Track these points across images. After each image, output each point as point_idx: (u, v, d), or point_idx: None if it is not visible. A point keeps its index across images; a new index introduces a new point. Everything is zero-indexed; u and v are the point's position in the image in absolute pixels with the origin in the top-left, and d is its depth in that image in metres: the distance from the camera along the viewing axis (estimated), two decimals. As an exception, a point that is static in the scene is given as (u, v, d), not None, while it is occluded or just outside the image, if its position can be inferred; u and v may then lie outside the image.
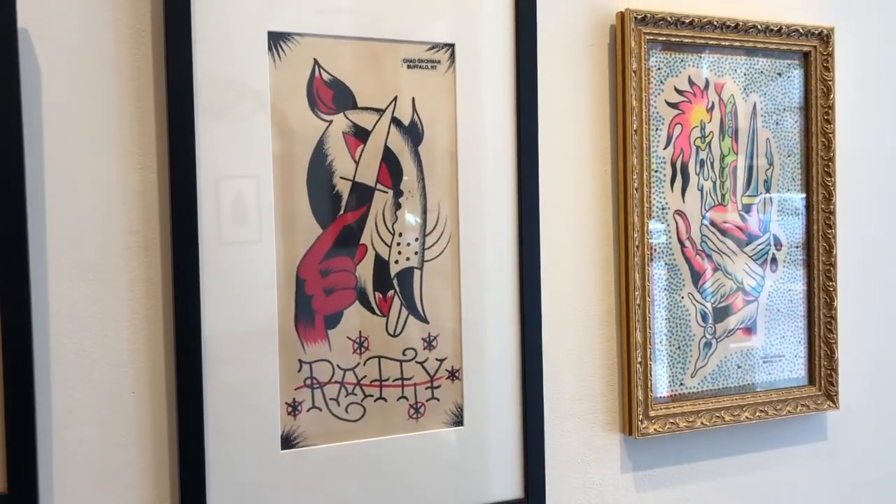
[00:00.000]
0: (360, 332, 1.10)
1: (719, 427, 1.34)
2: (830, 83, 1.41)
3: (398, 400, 1.12)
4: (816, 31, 1.40)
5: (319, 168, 1.07)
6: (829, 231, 1.43)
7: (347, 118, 1.09)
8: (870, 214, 1.51)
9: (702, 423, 1.32)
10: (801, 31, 1.39)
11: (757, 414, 1.37)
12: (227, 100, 1.03)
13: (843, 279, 1.46)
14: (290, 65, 1.06)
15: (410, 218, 1.12)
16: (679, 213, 1.31)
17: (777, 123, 1.39)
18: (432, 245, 1.14)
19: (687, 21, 1.29)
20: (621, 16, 1.25)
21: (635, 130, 1.25)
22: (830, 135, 1.42)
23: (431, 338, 1.14)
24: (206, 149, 1.01)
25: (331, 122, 1.08)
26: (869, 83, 1.51)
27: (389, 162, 1.11)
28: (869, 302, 1.51)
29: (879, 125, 1.52)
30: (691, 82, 1.32)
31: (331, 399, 1.09)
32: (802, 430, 1.45)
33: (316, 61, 1.07)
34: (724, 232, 1.35)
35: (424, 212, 1.14)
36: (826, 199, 1.42)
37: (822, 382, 1.43)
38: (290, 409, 1.06)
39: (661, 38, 1.28)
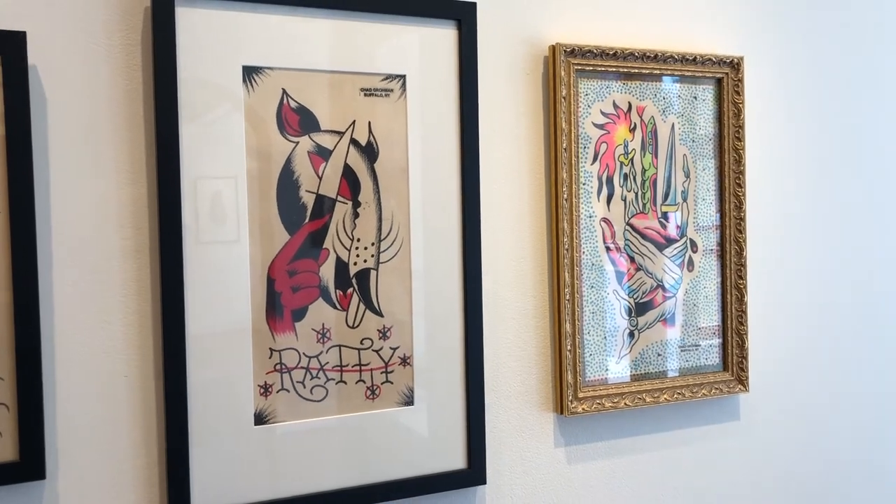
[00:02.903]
0: (323, 324, 1.27)
1: (641, 407, 1.52)
2: (741, 105, 1.61)
3: (356, 383, 1.30)
4: (728, 60, 1.59)
5: (287, 182, 1.24)
6: (740, 235, 1.62)
7: (312, 139, 1.26)
8: (775, 220, 1.71)
9: (625, 403, 1.51)
10: (713, 59, 1.58)
11: (675, 396, 1.56)
12: (207, 123, 1.19)
13: (752, 277, 1.65)
14: (262, 93, 1.23)
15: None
16: (604, 220, 1.50)
17: (693, 141, 1.58)
18: (387, 249, 1.31)
19: (611, 53, 1.47)
20: (553, 48, 1.43)
21: (565, 148, 1.44)
22: (741, 150, 1.61)
23: (386, 329, 1.32)
24: (188, 166, 1.18)
25: (297, 142, 1.25)
26: (774, 105, 1.70)
27: (349, 177, 1.28)
28: (775, 298, 1.70)
29: (784, 141, 1.72)
30: (615, 106, 1.50)
31: (297, 382, 1.26)
32: (716, 411, 1.64)
33: (284, 90, 1.24)
34: (644, 237, 1.54)
35: (380, 220, 1.31)
36: (737, 207, 1.62)
37: (734, 368, 1.63)
38: (262, 390, 1.23)
39: (588, 68, 1.46)
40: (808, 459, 1.75)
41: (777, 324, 1.71)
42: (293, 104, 1.25)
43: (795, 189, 1.73)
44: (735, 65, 1.60)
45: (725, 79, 1.60)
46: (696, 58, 1.56)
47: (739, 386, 1.63)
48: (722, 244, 1.62)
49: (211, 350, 1.20)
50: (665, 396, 1.55)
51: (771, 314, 1.70)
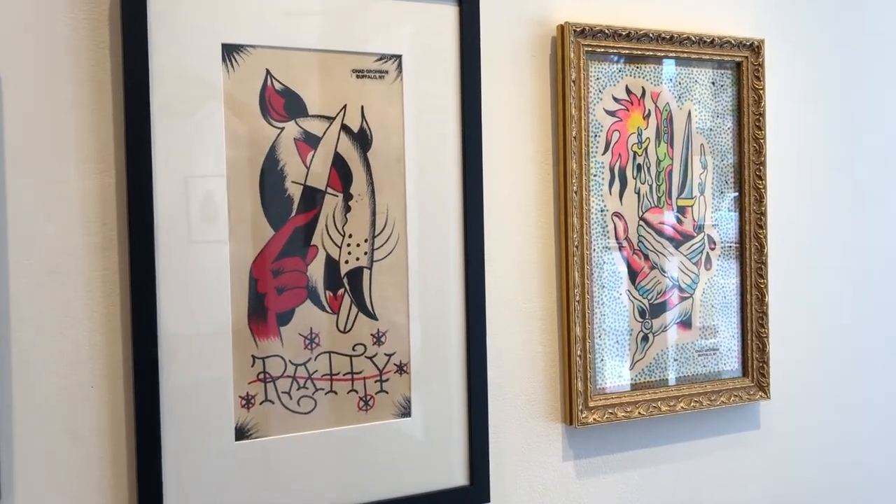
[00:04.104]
0: (311, 328, 1.16)
1: (656, 417, 1.41)
2: (761, 91, 1.50)
3: (348, 393, 1.18)
4: (747, 43, 1.48)
5: (272, 173, 1.13)
6: (761, 231, 1.51)
7: (298, 125, 1.15)
8: (798, 215, 1.60)
9: (639, 413, 1.39)
10: (732, 42, 1.47)
11: (692, 404, 1.45)
12: (182, 108, 1.08)
13: (773, 276, 1.55)
14: (243, 74, 1.11)
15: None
16: (617, 214, 1.39)
17: (711, 129, 1.47)
18: (381, 246, 1.20)
19: (624, 34, 1.36)
20: (561, 28, 1.32)
21: (575, 137, 1.32)
22: (761, 140, 1.50)
23: (380, 334, 1.20)
24: (162, 154, 1.06)
25: (282, 128, 1.14)
26: (797, 91, 1.59)
27: (339, 167, 1.17)
28: (798, 298, 1.60)
29: (807, 130, 1.61)
30: (628, 91, 1.39)
31: (283, 392, 1.14)
32: (736, 420, 1.53)
33: (268, 71, 1.13)
34: (660, 232, 1.43)
35: (374, 214, 1.20)
36: (757, 200, 1.51)
37: (754, 374, 1.52)
38: (243, 402, 1.12)
39: (599, 50, 1.35)
40: (833, 471, 1.65)
41: (800, 326, 1.60)
42: (278, 86, 1.13)
43: (820, 182, 1.63)
44: (755, 48, 1.49)
45: (745, 63, 1.49)
46: (713, 40, 1.45)
47: (760, 393, 1.52)
48: (741, 241, 1.51)
49: (187, 358, 1.08)
50: (682, 405, 1.44)
51: (793, 315, 1.59)
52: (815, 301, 1.62)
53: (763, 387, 1.52)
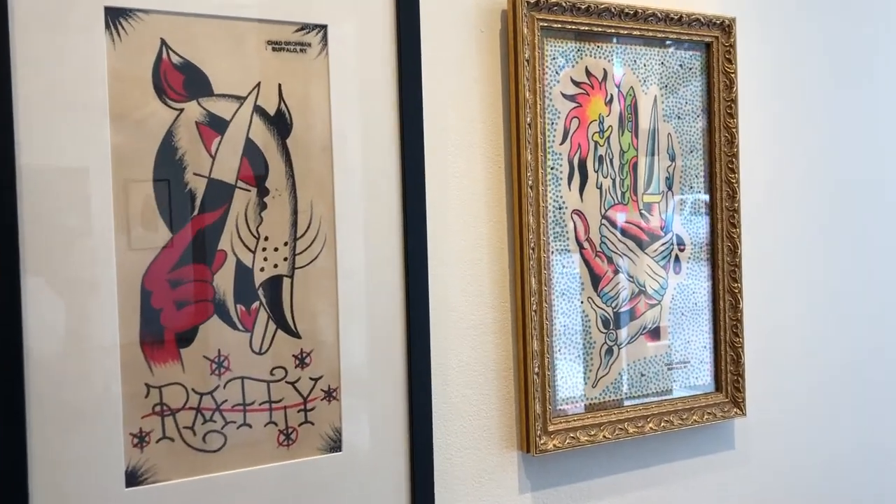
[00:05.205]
0: (218, 350, 0.97)
1: (623, 440, 1.26)
2: (733, 76, 1.36)
3: (265, 426, 1.00)
4: (718, 21, 1.34)
5: (168, 163, 0.94)
6: (734, 230, 1.37)
7: (201, 106, 0.96)
8: (774, 212, 1.46)
9: (604, 436, 1.24)
10: (702, 20, 1.32)
11: (662, 425, 1.29)
12: (54, 85, 0.88)
13: (748, 280, 1.41)
14: (133, 45, 0.92)
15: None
16: (577, 212, 1.22)
17: (679, 118, 1.33)
18: (304, 250, 1.02)
19: (583, 7, 1.20)
20: (513, 0, 1.16)
21: (529, 124, 1.16)
22: (733, 129, 1.36)
23: (304, 354, 1.02)
24: (29, 142, 0.87)
25: (181, 110, 0.95)
26: (772, 76, 1.46)
27: (252, 156, 0.99)
28: (775, 304, 1.46)
29: (783, 119, 1.48)
30: (589, 73, 1.23)
31: (185, 427, 0.95)
32: (709, 440, 1.38)
33: (163, 41, 0.94)
34: (624, 232, 1.27)
35: (295, 212, 1.01)
36: (730, 196, 1.36)
37: (728, 389, 1.37)
38: (135, 440, 0.92)
39: (556, 26, 1.19)
40: (813, 494, 1.51)
41: (777, 335, 1.47)
42: (176, 60, 0.94)
43: (797, 175, 1.50)
44: (726, 27, 1.35)
45: (715, 44, 1.34)
46: (681, 17, 1.30)
47: (735, 409, 1.37)
48: (713, 241, 1.36)
49: (62, 390, 0.89)
50: (650, 426, 1.28)
51: (770, 323, 1.46)
52: (794, 307, 1.49)
53: (738, 403, 1.38)
